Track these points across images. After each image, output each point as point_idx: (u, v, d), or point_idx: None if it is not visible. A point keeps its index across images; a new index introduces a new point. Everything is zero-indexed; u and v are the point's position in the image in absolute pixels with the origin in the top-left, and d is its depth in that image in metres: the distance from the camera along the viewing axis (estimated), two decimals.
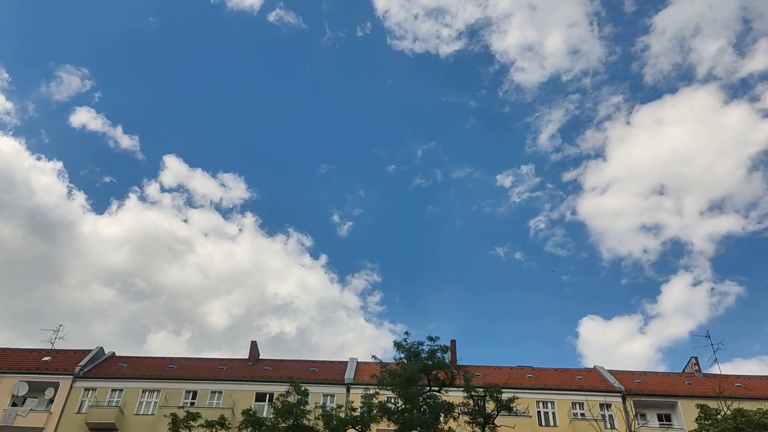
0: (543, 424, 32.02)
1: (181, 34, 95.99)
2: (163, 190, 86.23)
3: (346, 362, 36.19)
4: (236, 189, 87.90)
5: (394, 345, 23.78)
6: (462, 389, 24.34)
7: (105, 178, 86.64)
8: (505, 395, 23.77)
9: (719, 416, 21.22)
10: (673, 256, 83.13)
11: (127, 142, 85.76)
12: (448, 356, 24.71)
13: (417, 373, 22.84)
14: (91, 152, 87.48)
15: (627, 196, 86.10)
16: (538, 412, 32.40)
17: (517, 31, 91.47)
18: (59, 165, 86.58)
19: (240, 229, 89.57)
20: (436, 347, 23.54)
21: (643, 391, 33.93)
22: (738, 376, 38.06)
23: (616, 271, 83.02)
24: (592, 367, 37.92)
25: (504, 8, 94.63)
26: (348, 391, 32.58)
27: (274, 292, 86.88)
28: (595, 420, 28.38)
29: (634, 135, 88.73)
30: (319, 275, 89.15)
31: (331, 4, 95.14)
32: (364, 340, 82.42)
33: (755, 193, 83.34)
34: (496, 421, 23.60)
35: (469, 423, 23.71)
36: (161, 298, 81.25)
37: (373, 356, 24.71)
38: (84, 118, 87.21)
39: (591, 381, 35.16)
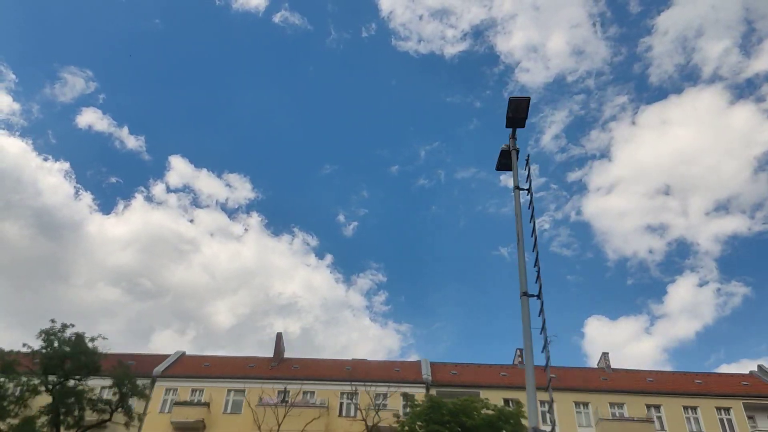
0: (344, 414, 32.90)
1: (187, 35, 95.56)
2: (169, 190, 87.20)
3: (168, 355, 36.68)
4: (242, 189, 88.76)
5: (40, 332, 24.14)
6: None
7: (111, 179, 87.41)
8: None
9: (419, 407, 22.29)
10: (679, 257, 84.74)
11: (133, 142, 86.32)
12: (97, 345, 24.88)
13: (47, 360, 23.37)
14: (98, 153, 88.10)
15: (632, 196, 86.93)
16: (341, 404, 33.28)
17: (522, 32, 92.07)
18: (66, 165, 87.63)
19: (245, 229, 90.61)
20: (71, 335, 23.97)
21: (451, 383, 35.05)
22: (558, 368, 39.49)
23: (621, 272, 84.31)
24: (419, 359, 38.98)
25: (508, 9, 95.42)
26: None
27: (279, 292, 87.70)
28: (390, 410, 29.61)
29: (639, 135, 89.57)
30: (325, 275, 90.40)
31: (336, 5, 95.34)
32: (368, 339, 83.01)
33: (761, 194, 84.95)
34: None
35: (92, 410, 24.43)
36: (167, 297, 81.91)
37: (24, 344, 24.70)
38: (90, 118, 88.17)
39: (405, 373, 36.19)
